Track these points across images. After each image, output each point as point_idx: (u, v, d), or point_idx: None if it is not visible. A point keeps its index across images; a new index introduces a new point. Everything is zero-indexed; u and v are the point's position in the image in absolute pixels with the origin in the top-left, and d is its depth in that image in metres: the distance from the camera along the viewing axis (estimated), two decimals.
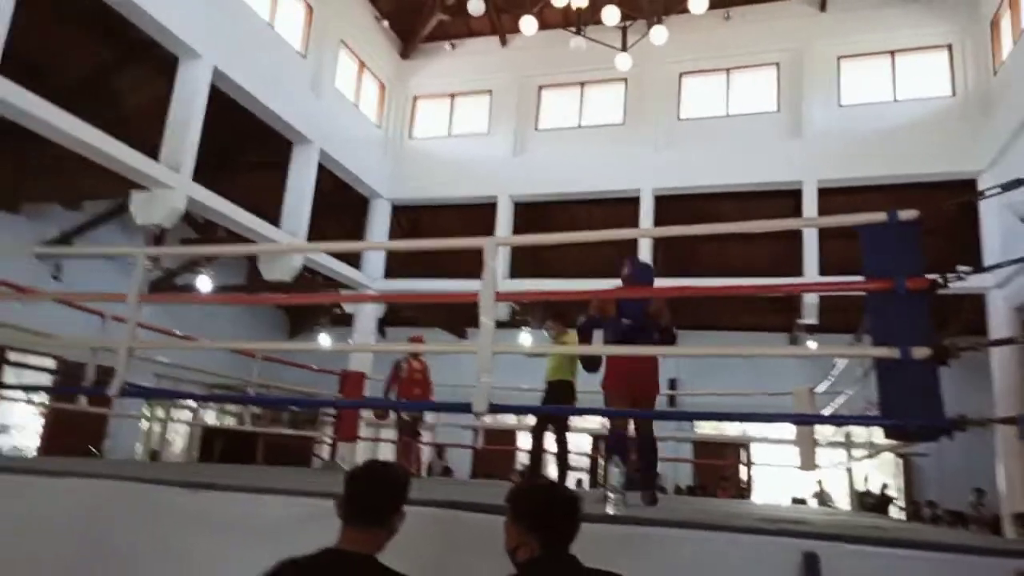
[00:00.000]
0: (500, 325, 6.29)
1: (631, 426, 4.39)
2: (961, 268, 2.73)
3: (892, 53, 11.24)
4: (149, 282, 9.19)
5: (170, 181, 8.41)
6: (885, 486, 12.20)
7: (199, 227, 11.77)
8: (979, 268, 2.92)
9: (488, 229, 11.83)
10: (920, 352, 2.58)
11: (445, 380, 11.98)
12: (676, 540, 2.47)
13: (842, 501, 10.88)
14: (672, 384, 13.62)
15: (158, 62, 9.16)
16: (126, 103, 10.19)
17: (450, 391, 11.54)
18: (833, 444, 7.76)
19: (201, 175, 9.00)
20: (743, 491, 12.13)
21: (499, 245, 3.68)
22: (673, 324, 4.32)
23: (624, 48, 9.85)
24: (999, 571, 2.11)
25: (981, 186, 9.67)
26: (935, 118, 10.66)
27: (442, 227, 13.91)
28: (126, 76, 10.12)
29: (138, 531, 3.05)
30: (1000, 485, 9.27)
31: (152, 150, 8.44)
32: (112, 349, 4.01)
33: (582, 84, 12.79)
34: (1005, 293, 9.55)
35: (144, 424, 13.29)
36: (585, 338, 4.36)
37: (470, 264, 3.74)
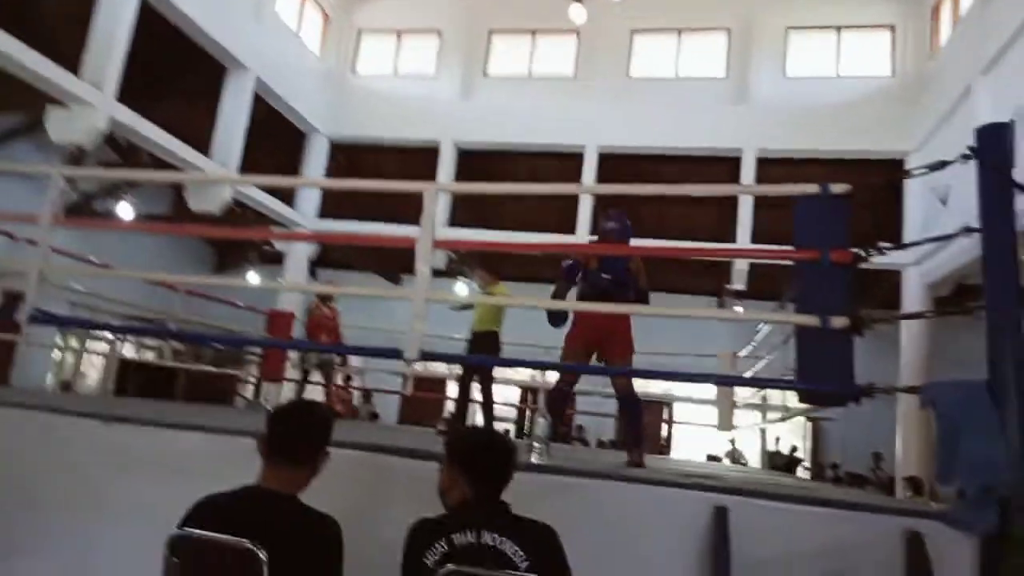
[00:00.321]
0: (436, 274, 6.23)
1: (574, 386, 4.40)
2: (883, 244, 2.82)
3: (838, 29, 11.45)
4: (65, 205, 8.69)
5: (91, 98, 7.88)
6: (795, 448, 12.88)
7: (122, 151, 11.12)
8: (899, 245, 3.03)
9: (430, 174, 11.62)
10: (839, 321, 2.68)
11: (377, 325, 11.99)
12: (595, 490, 2.54)
13: (754, 460, 11.44)
14: None
15: None
16: (46, 11, 9.43)
17: (383, 336, 11.53)
18: (750, 406, 8.10)
19: (127, 96, 8.47)
20: (662, 448, 12.59)
21: (440, 191, 3.61)
22: (648, 287, 4.25)
23: None
24: (887, 527, 2.25)
25: (909, 166, 10.06)
26: (873, 96, 10.97)
27: (382, 169, 13.57)
28: None
29: (49, 463, 2.97)
30: (897, 450, 9.91)
31: (73, 64, 7.87)
32: (22, 272, 3.78)
33: (534, 32, 12.55)
34: (921, 270, 10.06)
35: (56, 354, 12.72)
36: (567, 282, 4.23)
37: (408, 209, 3.66)
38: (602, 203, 11.54)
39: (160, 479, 2.78)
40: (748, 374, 6.67)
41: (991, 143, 2.50)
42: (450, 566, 1.68)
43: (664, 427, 13.66)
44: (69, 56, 7.86)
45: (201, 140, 10.00)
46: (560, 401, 4.25)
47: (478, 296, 5.71)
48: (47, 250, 3.83)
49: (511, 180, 13.23)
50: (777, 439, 12.06)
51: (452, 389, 11.65)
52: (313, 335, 7.38)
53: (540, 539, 1.78)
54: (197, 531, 1.79)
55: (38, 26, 8.62)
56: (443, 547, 1.74)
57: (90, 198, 11.63)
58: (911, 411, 9.38)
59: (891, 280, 10.85)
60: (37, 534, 2.87)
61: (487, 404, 5.87)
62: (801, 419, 13.41)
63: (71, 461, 2.96)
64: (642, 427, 4.13)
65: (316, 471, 1.96)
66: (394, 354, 3.19)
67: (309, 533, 1.81)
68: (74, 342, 12.75)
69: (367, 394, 12.50)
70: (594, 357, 4.23)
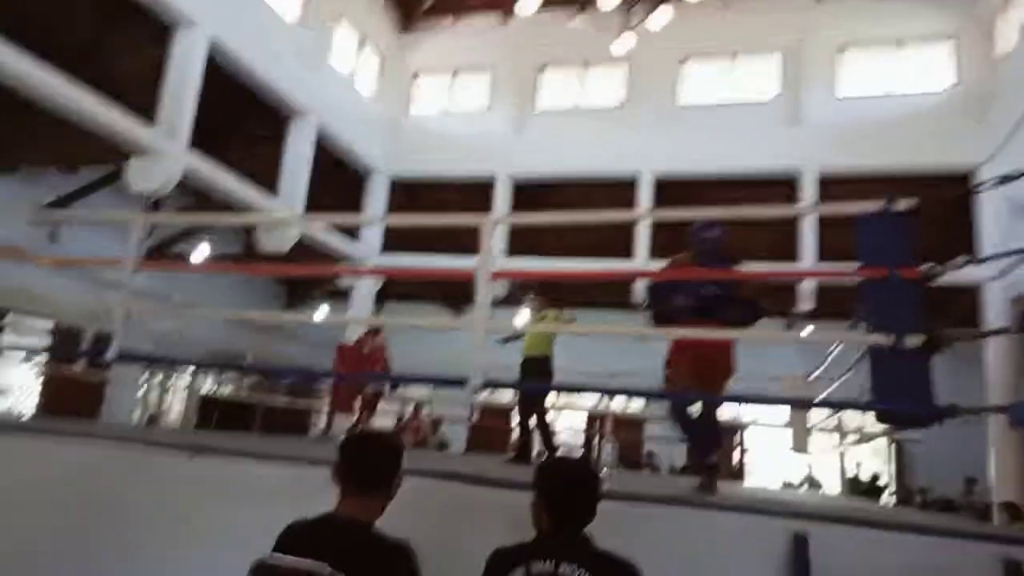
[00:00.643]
0: (498, 303, 6.31)
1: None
2: (960, 258, 2.75)
3: (897, 41, 11.20)
4: (144, 249, 9.18)
5: (166, 148, 8.35)
6: (876, 476, 12.33)
7: (196, 196, 11.69)
8: (974, 259, 2.94)
9: (486, 206, 11.80)
10: (913, 340, 2.60)
11: (442, 356, 12.12)
12: (668, 517, 2.51)
13: (833, 487, 11.01)
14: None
15: (155, 28, 9.06)
16: (123, 69, 10.08)
17: (450, 366, 11.63)
18: (825, 429, 7.83)
19: (199, 145, 8.94)
20: (736, 474, 12.25)
21: (496, 224, 3.68)
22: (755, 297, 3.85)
23: (626, 30, 9.76)
24: (981, 555, 2.14)
25: (979, 178, 9.67)
26: (935, 110, 10.65)
27: (440, 203, 13.83)
28: (123, 42, 9.99)
29: (138, 494, 3.10)
30: (991, 475, 9.38)
31: (149, 116, 8.37)
32: (109, 314, 4.01)
33: (585, 63, 12.70)
34: (1002, 285, 9.58)
35: (142, 391, 13.31)
36: (663, 300, 3.88)
37: (468, 240, 3.75)
38: (662, 228, 11.46)
39: (241, 507, 2.87)
40: (821, 397, 6.47)
41: None
42: None
43: (737, 453, 13.29)
44: (144, 108, 8.37)
45: (269, 183, 10.44)
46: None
47: (524, 326, 5.73)
48: (128, 292, 4.06)
49: (566, 209, 13.31)
50: (858, 464, 11.58)
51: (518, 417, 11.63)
52: (361, 367, 7.58)
53: (618, 573, 1.77)
54: (278, 555, 1.85)
55: (115, 83, 9.23)
56: (521, 573, 1.75)
57: (168, 242, 12.24)
58: (1005, 433, 8.88)
59: (970, 297, 10.36)
60: (127, 561, 2.99)
61: (544, 433, 5.82)
62: (884, 444, 12.83)
63: (159, 491, 3.07)
64: (716, 451, 3.87)
65: (389, 498, 2.00)
66: (458, 383, 3.25)
67: (385, 560, 1.85)
68: (158, 379, 13.34)
69: (435, 423, 12.61)
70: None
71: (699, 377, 3.73)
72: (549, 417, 5.97)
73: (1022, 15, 9.49)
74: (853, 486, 10.63)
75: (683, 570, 2.33)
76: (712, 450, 3.84)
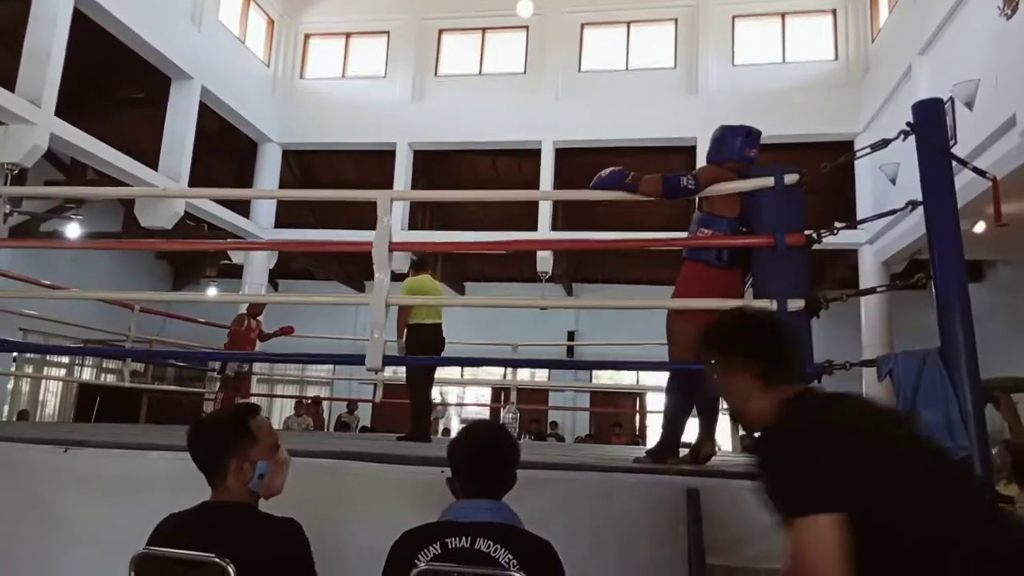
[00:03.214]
0: (399, 277, 6.19)
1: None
2: (836, 224, 2.89)
3: (782, 15, 11.66)
4: (9, 227, 8.40)
5: (29, 115, 7.62)
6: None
7: (65, 168, 10.80)
8: (849, 223, 3.10)
9: (386, 176, 11.53)
10: (795, 304, 2.73)
11: (343, 332, 11.88)
12: (572, 480, 2.65)
13: (726, 445, 11.61)
14: (571, 336, 13.99)
15: None
16: None
17: (349, 344, 11.42)
18: None
19: (67, 111, 8.23)
20: (636, 438, 12.70)
21: (394, 199, 3.56)
22: None
23: None
24: None
25: (857, 147, 10.30)
26: (820, 81, 11.21)
27: (337, 173, 13.44)
28: None
29: (7, 492, 2.92)
30: None
31: (7, 81, 7.62)
32: None
33: (483, 30, 12.53)
34: (875, 249, 10.32)
35: (10, 383, 12.31)
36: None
37: (366, 213, 3.61)
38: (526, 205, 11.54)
39: (121, 502, 2.78)
40: None
41: (927, 118, 2.57)
42: (423, 565, 1.65)
43: (638, 417, 13.79)
44: (3, 72, 7.61)
45: (148, 153, 9.76)
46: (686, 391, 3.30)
47: (431, 299, 5.63)
48: None
49: (470, 177, 13.24)
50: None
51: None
52: (239, 347, 7.29)
53: (536, 551, 1.72)
54: (160, 548, 1.77)
55: None
56: (436, 550, 1.69)
57: (36, 219, 11.28)
58: (875, 387, 9.58)
59: (850, 260, 11.11)
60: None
61: (413, 401, 5.65)
62: None
63: (29, 489, 2.92)
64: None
65: (244, 478, 1.86)
66: (357, 361, 3.17)
67: (271, 537, 1.81)
68: (29, 369, 12.36)
69: (351, 404, 12.39)
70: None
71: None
72: (426, 388, 5.82)
73: None
74: (742, 443, 11.25)
75: (599, 525, 2.51)
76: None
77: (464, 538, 1.69)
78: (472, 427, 2.05)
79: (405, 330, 5.56)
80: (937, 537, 1.27)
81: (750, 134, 3.28)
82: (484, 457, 1.86)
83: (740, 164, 3.21)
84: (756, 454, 1.47)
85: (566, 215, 12.15)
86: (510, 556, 1.66)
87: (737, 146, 3.24)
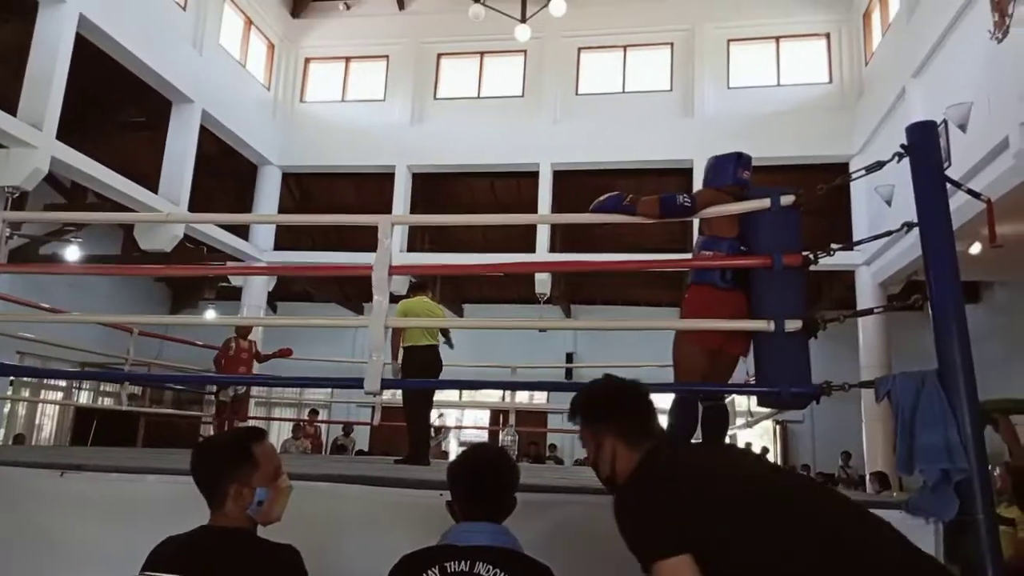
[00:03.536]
0: (398, 299, 6.20)
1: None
2: (832, 245, 2.90)
3: (776, 39, 11.81)
4: (8, 250, 8.41)
5: (30, 139, 7.67)
6: (765, 450, 13.03)
7: (66, 191, 10.84)
8: (844, 245, 3.12)
9: (385, 199, 11.59)
10: (792, 324, 2.73)
11: (342, 355, 11.85)
12: (571, 503, 2.61)
13: None
14: (569, 358, 13.96)
15: (15, 4, 8.31)
16: None
17: (347, 367, 11.39)
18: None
19: (68, 134, 8.28)
20: None
21: (395, 224, 3.57)
22: None
23: (523, 19, 9.82)
24: None
25: (852, 169, 10.39)
26: (814, 104, 11.32)
27: (336, 196, 13.51)
28: None
29: (3, 516, 2.87)
30: (864, 448, 10.11)
31: (9, 104, 7.67)
32: None
33: (481, 54, 12.67)
34: (872, 270, 10.36)
35: (7, 407, 12.24)
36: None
37: (366, 236, 3.63)
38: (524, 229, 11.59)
39: (118, 525, 2.74)
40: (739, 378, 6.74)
41: (921, 140, 2.58)
42: None
43: None
44: (5, 96, 7.67)
45: (149, 176, 9.81)
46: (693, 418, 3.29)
47: (442, 320, 5.65)
48: None
49: (469, 199, 13.31)
50: (748, 445, 12.21)
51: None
52: (231, 369, 7.20)
53: (528, 566, 1.72)
54: (157, 574, 1.75)
55: None
56: (435, 574, 1.67)
57: (35, 243, 11.30)
58: (873, 408, 9.59)
59: (847, 281, 11.14)
60: None
61: (411, 423, 5.62)
62: (770, 424, 13.59)
63: (25, 513, 2.89)
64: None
65: (243, 503, 1.84)
66: (355, 384, 3.16)
67: (269, 564, 1.78)
68: (26, 392, 12.31)
69: (347, 427, 12.34)
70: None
71: (717, 344, 3.17)
72: (424, 411, 5.80)
73: (888, 15, 10.22)
74: None
75: (600, 549, 2.38)
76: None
77: (464, 562, 1.67)
78: (472, 450, 2.04)
79: (400, 352, 5.55)
80: (768, 565, 1.42)
81: (740, 157, 3.34)
82: (484, 480, 1.85)
83: (736, 188, 3.26)
84: (614, 512, 1.63)
85: (564, 237, 12.20)
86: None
87: (731, 171, 3.30)
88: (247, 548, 1.81)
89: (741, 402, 8.52)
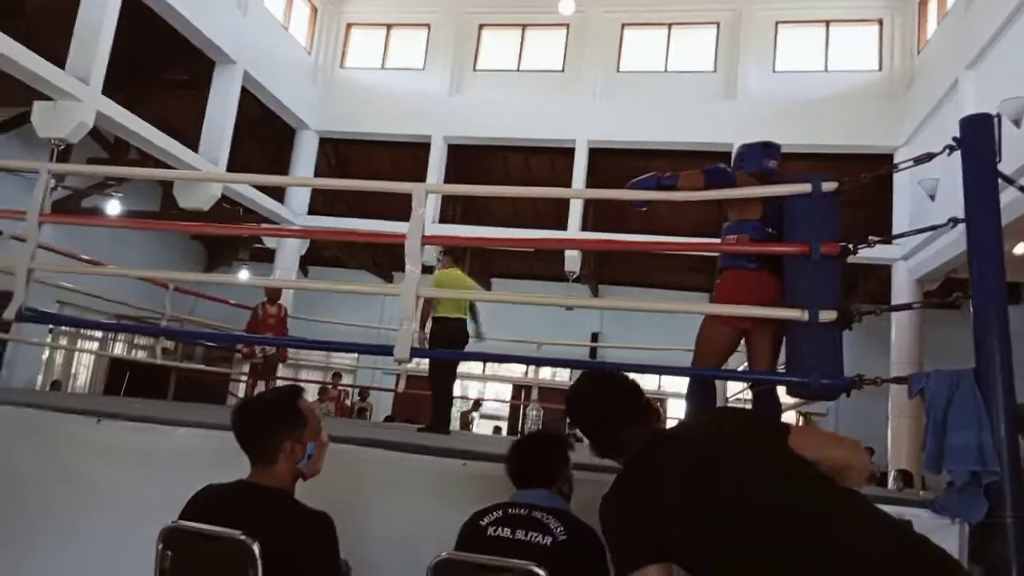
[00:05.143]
0: (428, 269, 6.23)
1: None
2: (871, 237, 2.84)
3: (827, 23, 11.48)
4: (52, 201, 8.61)
5: (77, 93, 7.81)
6: None
7: (109, 146, 11.04)
8: (885, 238, 3.05)
9: (420, 169, 11.60)
10: (827, 315, 2.69)
11: (369, 321, 11.99)
12: (593, 481, 2.56)
13: None
14: (594, 337, 13.95)
15: None
16: (30, 4, 9.34)
17: (374, 333, 11.50)
18: (741, 402, 8.12)
19: (113, 90, 8.41)
20: None
21: (429, 192, 3.57)
22: None
23: None
24: None
25: (897, 160, 10.11)
26: (862, 91, 11.02)
27: (371, 164, 13.55)
28: None
29: (40, 459, 2.98)
30: (888, 444, 9.98)
31: (58, 58, 7.80)
32: (9, 270, 3.74)
33: (523, 27, 12.53)
34: (909, 265, 10.13)
35: (45, 353, 12.63)
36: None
37: (399, 205, 3.65)
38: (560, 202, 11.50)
39: (150, 475, 2.82)
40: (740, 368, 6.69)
41: (975, 134, 2.51)
42: (445, 553, 1.81)
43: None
44: (54, 50, 7.79)
45: (189, 135, 9.94)
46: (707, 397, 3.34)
47: (473, 293, 5.66)
48: (35, 246, 3.79)
49: (503, 174, 13.27)
50: None
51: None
52: (256, 332, 7.45)
53: (584, 530, 1.93)
54: (189, 523, 1.80)
55: (21, 19, 8.52)
56: (498, 514, 1.98)
57: (78, 195, 11.55)
58: (902, 405, 9.45)
59: (882, 275, 10.91)
60: (28, 531, 2.88)
61: (436, 395, 5.69)
62: (793, 416, 13.44)
63: (61, 458, 2.98)
64: None
65: (291, 465, 1.91)
66: (385, 351, 3.19)
67: (303, 529, 1.81)
68: (64, 341, 12.67)
69: (363, 391, 12.51)
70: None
71: (741, 328, 3.17)
72: (449, 381, 5.88)
73: (946, 3, 9.87)
74: None
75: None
76: None
77: (522, 508, 1.99)
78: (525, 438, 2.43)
79: (429, 322, 5.60)
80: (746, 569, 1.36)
81: (768, 147, 3.38)
82: (515, 462, 2.18)
83: (762, 175, 3.29)
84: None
85: (596, 216, 12.12)
86: (560, 526, 1.91)
87: (758, 159, 3.36)
88: (287, 510, 1.85)
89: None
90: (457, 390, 14.11)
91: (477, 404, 12.95)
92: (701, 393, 3.33)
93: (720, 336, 3.21)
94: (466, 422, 12.10)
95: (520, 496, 2.09)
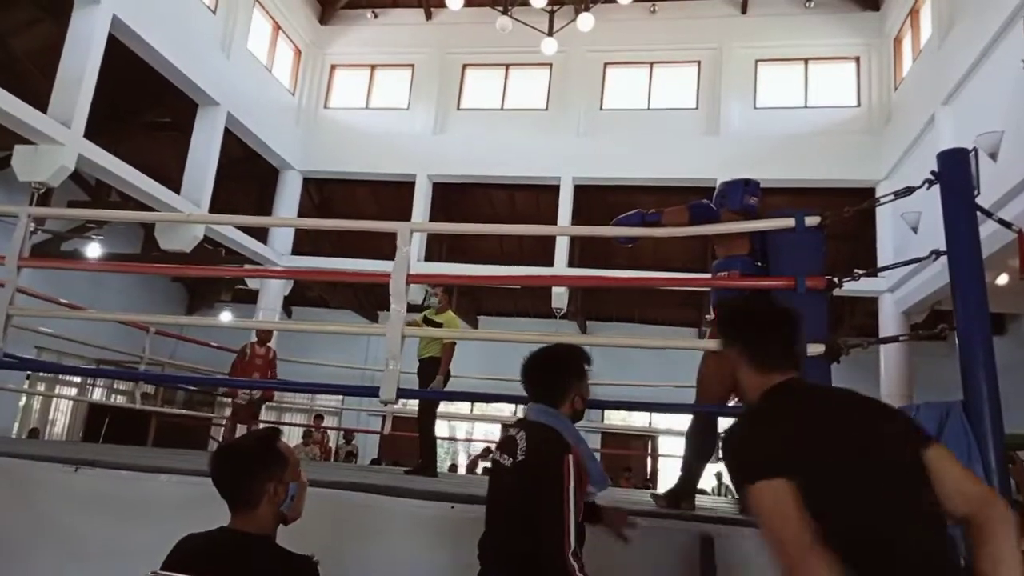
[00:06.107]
0: (414, 308, 6.18)
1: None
2: (856, 271, 2.85)
3: (805, 61, 11.74)
4: (32, 245, 8.51)
5: (59, 136, 7.78)
6: None
7: (90, 189, 10.99)
8: (869, 271, 3.07)
9: (404, 208, 11.61)
10: (815, 349, 2.68)
11: (354, 362, 11.86)
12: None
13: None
14: None
15: (50, 4, 8.45)
16: (13, 48, 9.37)
17: (358, 374, 11.37)
18: None
19: (95, 132, 8.39)
20: (647, 482, 12.49)
21: (414, 231, 3.56)
22: None
23: (550, 32, 9.85)
24: None
25: (879, 194, 10.27)
26: (841, 127, 11.21)
27: (356, 203, 13.58)
28: (14, 18, 9.29)
29: (15, 509, 2.94)
30: None
31: (40, 102, 7.79)
32: None
33: (507, 66, 12.71)
34: (895, 297, 10.21)
35: (22, 400, 12.36)
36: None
37: (383, 244, 3.63)
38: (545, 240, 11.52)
39: (130, 524, 2.78)
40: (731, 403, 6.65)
41: (952, 168, 2.54)
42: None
43: (649, 461, 13.57)
44: (36, 93, 7.79)
45: (172, 177, 9.91)
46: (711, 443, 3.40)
47: (447, 331, 5.60)
48: (13, 291, 3.72)
49: (488, 211, 13.32)
50: None
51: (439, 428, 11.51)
52: (246, 375, 7.33)
53: (545, 438, 2.07)
54: (172, 574, 1.74)
55: (3, 64, 8.54)
56: (504, 432, 2.25)
57: (58, 239, 11.45)
58: None
59: (869, 308, 10.98)
60: None
61: (423, 436, 5.61)
62: None
63: (38, 508, 2.91)
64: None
65: (274, 508, 1.86)
66: (370, 392, 3.14)
67: (286, 573, 1.78)
68: (42, 387, 12.42)
69: (348, 434, 12.31)
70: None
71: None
72: (433, 423, 5.79)
73: (920, 41, 10.13)
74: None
75: (611, 566, 2.44)
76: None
77: (514, 428, 2.17)
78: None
79: (419, 364, 5.54)
80: (861, 526, 1.37)
81: (748, 184, 3.49)
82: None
83: (743, 211, 3.37)
84: (723, 440, 1.66)
85: (582, 252, 12.16)
86: (524, 444, 2.06)
87: (738, 196, 3.45)
88: (271, 556, 1.81)
89: None
90: (445, 431, 13.94)
91: (487, 451, 12.80)
92: (701, 434, 3.31)
93: (721, 373, 3.20)
94: (473, 466, 12.00)
95: (526, 411, 2.27)
